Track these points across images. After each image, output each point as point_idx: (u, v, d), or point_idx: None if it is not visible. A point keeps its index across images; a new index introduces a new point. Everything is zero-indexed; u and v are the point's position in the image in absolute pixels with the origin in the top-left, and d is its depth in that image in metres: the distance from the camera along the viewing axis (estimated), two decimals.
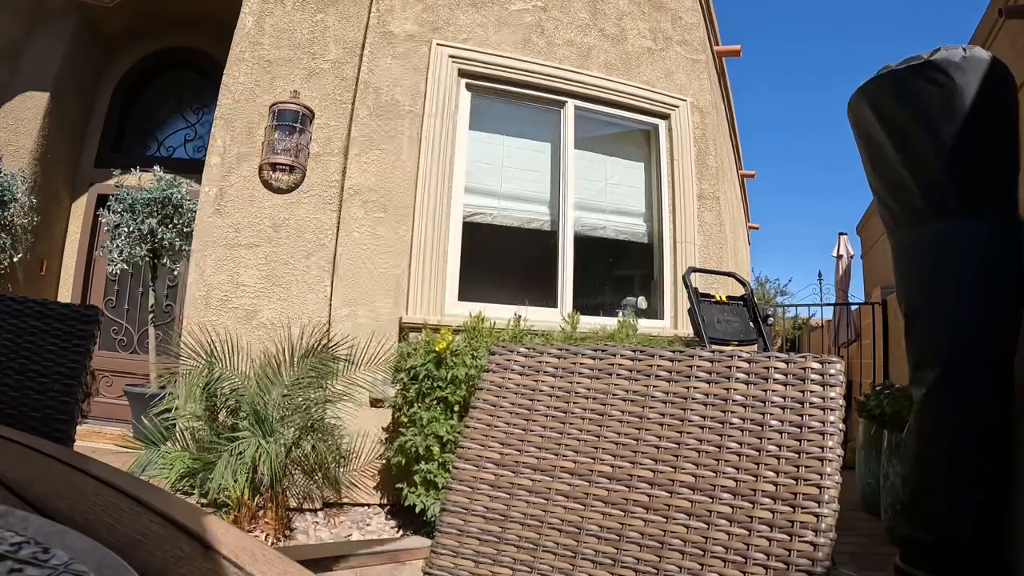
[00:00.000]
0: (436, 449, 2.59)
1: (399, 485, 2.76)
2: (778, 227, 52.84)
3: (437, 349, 2.73)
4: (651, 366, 0.91)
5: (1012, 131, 2.30)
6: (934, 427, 2.33)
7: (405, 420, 2.78)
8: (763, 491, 0.76)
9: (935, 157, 2.31)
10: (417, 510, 2.62)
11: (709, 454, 0.82)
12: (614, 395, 0.92)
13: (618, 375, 0.93)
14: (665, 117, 4.14)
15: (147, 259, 4.03)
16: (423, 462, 2.61)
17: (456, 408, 2.71)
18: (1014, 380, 2.22)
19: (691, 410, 0.86)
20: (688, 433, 0.84)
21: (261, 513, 2.50)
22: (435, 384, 2.69)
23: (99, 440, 3.81)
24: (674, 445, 0.85)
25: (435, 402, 2.68)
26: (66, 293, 4.73)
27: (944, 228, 2.34)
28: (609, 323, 3.47)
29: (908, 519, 2.38)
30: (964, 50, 2.23)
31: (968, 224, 2.29)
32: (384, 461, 2.92)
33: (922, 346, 2.43)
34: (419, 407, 2.70)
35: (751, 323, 3.15)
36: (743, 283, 3.40)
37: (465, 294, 3.46)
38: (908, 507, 2.40)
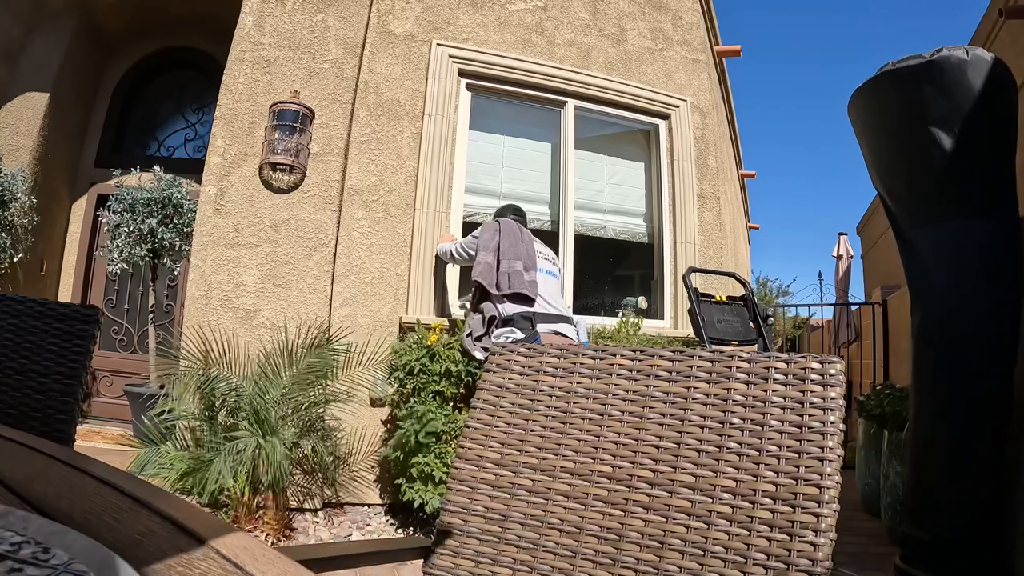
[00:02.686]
0: (431, 440, 2.61)
1: (398, 481, 2.76)
2: (779, 227, 52.91)
3: (429, 343, 2.77)
4: (651, 366, 0.91)
5: (1013, 132, 2.30)
6: (935, 425, 2.33)
7: (402, 415, 2.79)
8: (763, 491, 0.76)
9: (935, 157, 2.31)
10: (416, 505, 2.62)
11: (709, 454, 0.82)
12: (614, 395, 0.92)
13: (618, 375, 0.93)
14: (665, 117, 4.14)
15: (147, 259, 4.03)
16: (419, 455, 2.63)
17: (451, 401, 2.74)
18: (1014, 380, 2.22)
19: (691, 410, 0.86)
20: (688, 433, 0.84)
21: (261, 513, 2.50)
22: (430, 379, 2.72)
23: (99, 440, 3.81)
24: (674, 445, 0.85)
25: (431, 396, 2.71)
26: (66, 293, 4.73)
27: (945, 228, 2.34)
28: (609, 323, 3.48)
29: (910, 518, 2.38)
30: (966, 51, 2.23)
31: (969, 224, 2.29)
32: (383, 460, 2.93)
33: (925, 346, 2.43)
34: (415, 401, 2.73)
35: (751, 323, 3.16)
36: (743, 283, 3.40)
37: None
38: (909, 506, 2.40)
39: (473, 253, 2.79)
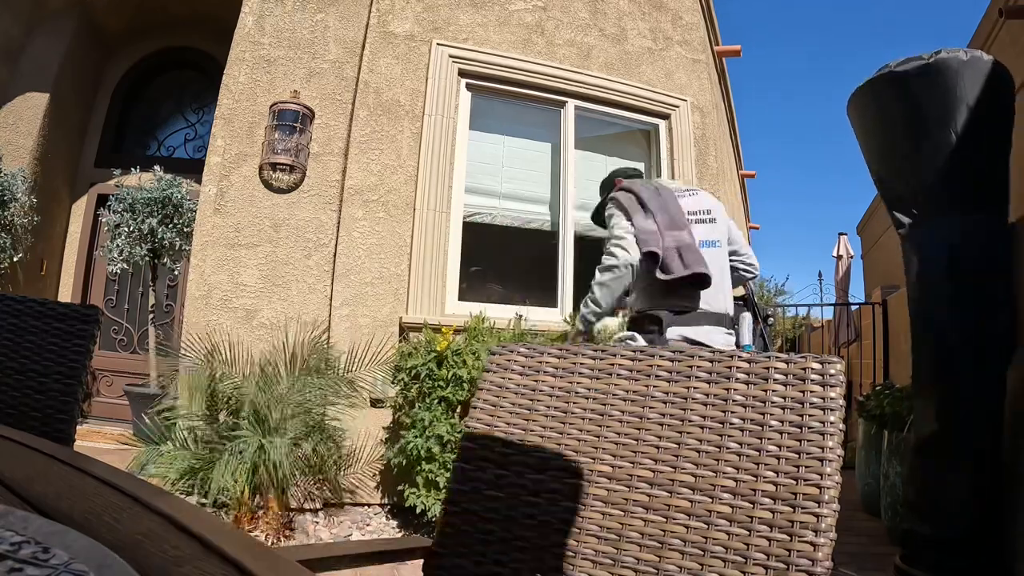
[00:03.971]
0: (437, 450, 2.60)
1: (400, 486, 2.76)
2: (779, 226, 52.99)
3: (439, 349, 2.74)
4: (651, 366, 0.91)
5: (1008, 136, 2.30)
6: (935, 425, 2.33)
7: (407, 421, 2.78)
8: (763, 491, 0.76)
9: (931, 159, 2.32)
10: (418, 510, 2.62)
11: (709, 454, 0.82)
12: (614, 395, 0.92)
13: (618, 375, 0.93)
14: (665, 117, 4.14)
15: (147, 259, 4.03)
16: (424, 463, 2.61)
17: (458, 408, 2.72)
18: (1014, 379, 2.22)
19: (691, 410, 0.85)
20: (688, 433, 0.84)
21: (261, 513, 2.50)
22: (436, 384, 2.70)
23: (99, 440, 3.81)
24: (674, 445, 0.84)
25: (436, 402, 2.69)
26: (66, 293, 4.73)
27: (941, 227, 2.34)
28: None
29: (910, 516, 2.38)
30: (964, 53, 2.23)
31: (964, 223, 2.30)
32: (385, 462, 2.92)
33: (921, 344, 2.43)
34: (420, 407, 2.71)
35: None
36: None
37: (465, 294, 3.46)
38: (911, 503, 2.40)
39: (631, 228, 1.96)
